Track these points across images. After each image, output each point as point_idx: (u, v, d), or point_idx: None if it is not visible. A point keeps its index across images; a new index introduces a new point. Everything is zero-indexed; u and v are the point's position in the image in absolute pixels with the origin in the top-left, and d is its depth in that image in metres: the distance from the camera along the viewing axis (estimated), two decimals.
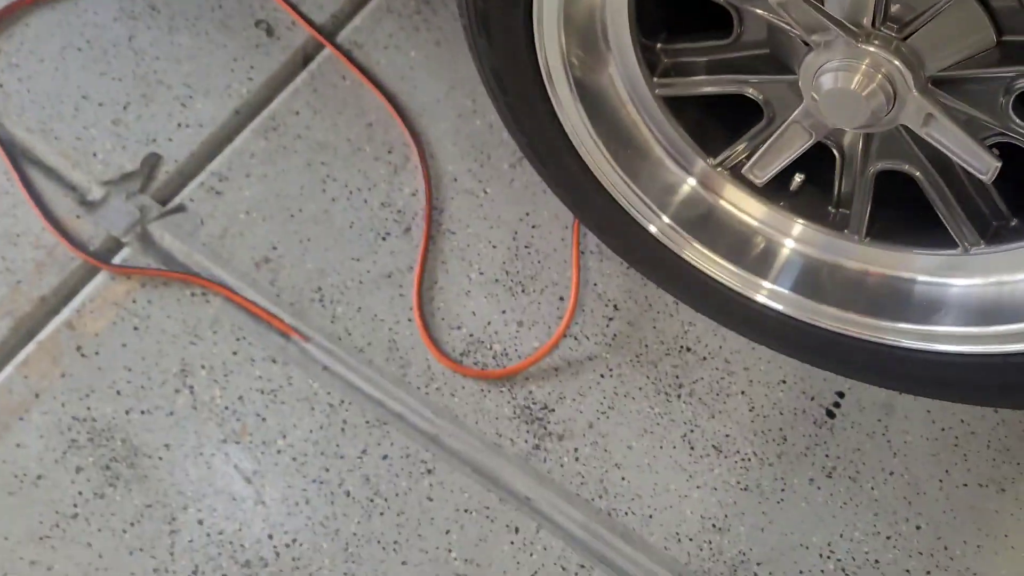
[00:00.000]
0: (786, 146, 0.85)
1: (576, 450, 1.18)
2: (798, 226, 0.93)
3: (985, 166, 0.73)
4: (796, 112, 0.81)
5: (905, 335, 0.87)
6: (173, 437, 1.10)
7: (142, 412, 1.11)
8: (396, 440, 1.14)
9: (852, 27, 0.70)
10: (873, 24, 0.69)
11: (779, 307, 0.95)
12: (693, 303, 1.12)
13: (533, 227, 1.29)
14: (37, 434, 1.08)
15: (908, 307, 0.87)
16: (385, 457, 1.13)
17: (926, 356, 0.87)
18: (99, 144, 1.25)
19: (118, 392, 1.12)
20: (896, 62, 0.70)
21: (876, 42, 0.70)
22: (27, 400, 1.10)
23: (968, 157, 0.74)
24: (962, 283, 0.84)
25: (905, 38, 0.70)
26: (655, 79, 0.87)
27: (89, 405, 1.10)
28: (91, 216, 1.20)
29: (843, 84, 0.71)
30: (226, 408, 1.13)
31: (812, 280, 0.92)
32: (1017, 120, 0.73)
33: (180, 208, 1.23)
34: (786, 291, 0.94)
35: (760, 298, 0.96)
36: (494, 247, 1.27)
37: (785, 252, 0.94)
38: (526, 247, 1.28)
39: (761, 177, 0.88)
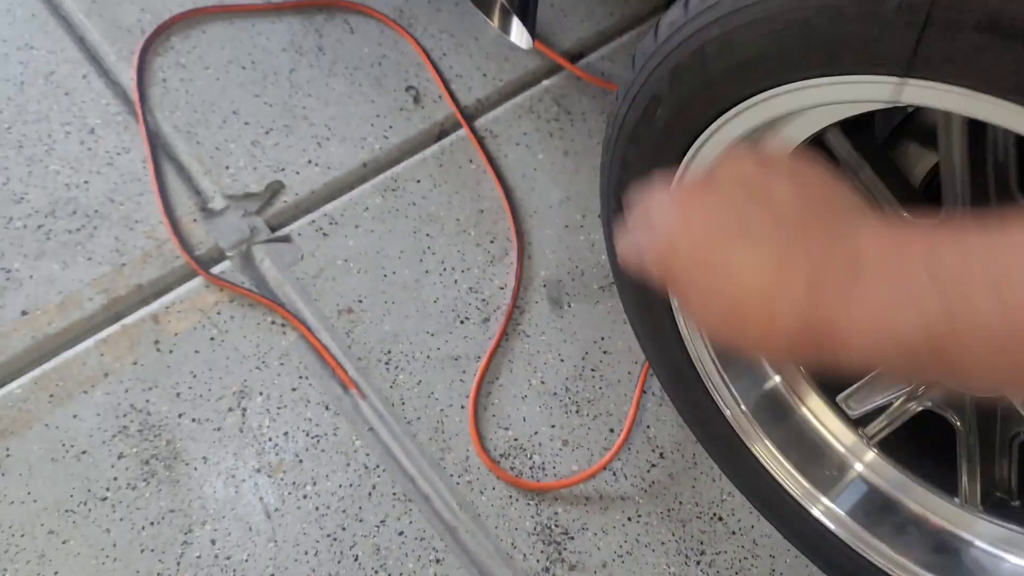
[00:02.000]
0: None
1: None
2: (871, 454, 0.94)
3: None
4: None
5: None
6: (213, 452, 1.14)
7: (193, 420, 1.15)
8: (416, 520, 1.16)
9: None
10: None
11: (831, 526, 0.95)
12: (745, 491, 1.12)
13: (604, 352, 1.32)
14: (95, 411, 1.13)
15: (958, 568, 0.86)
16: (401, 533, 1.15)
17: None
18: (234, 159, 1.32)
19: (178, 394, 1.16)
20: None
21: None
22: (96, 376, 1.15)
23: None
24: (1015, 561, 0.84)
25: None
26: None
27: (149, 398, 1.15)
28: (206, 223, 1.27)
29: None
30: (269, 440, 1.16)
31: (871, 510, 0.93)
32: None
33: (286, 238, 1.29)
34: (842, 513, 0.94)
35: (816, 512, 0.96)
36: (562, 361, 1.30)
37: (852, 474, 0.94)
38: (592, 370, 1.30)
39: (856, 410, 0.89)
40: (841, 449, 0.95)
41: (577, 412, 1.27)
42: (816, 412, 0.95)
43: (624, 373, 1.30)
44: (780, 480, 0.97)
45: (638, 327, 1.05)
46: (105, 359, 1.16)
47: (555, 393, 1.28)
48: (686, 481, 1.25)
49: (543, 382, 1.28)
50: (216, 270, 1.25)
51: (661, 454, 1.26)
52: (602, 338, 1.32)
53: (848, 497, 0.93)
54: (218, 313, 1.22)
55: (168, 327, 1.20)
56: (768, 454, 0.97)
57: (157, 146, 1.30)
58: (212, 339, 1.20)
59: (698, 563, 1.21)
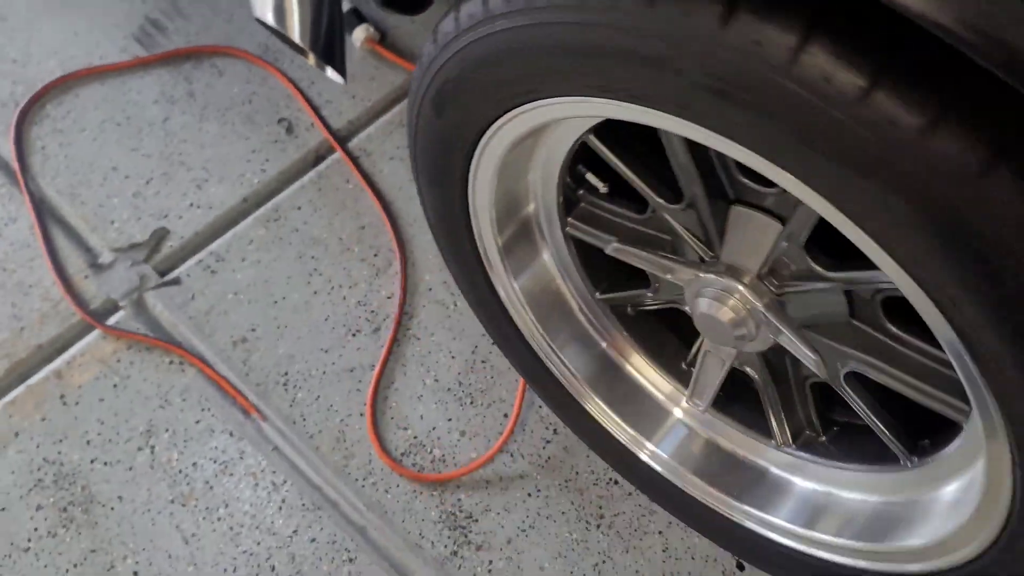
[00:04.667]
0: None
1: (491, 563, 1.26)
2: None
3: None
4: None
5: (749, 517, 0.96)
6: (127, 491, 1.22)
7: (105, 463, 1.23)
8: (326, 526, 1.24)
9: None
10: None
11: (657, 468, 1.04)
12: (591, 445, 1.22)
13: (493, 344, 1.39)
14: (9, 469, 1.21)
15: (756, 492, 0.96)
16: (313, 540, 1.23)
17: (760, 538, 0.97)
18: (117, 213, 1.39)
19: (88, 442, 1.24)
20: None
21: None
22: (7, 437, 1.23)
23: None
24: (802, 484, 0.93)
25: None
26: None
27: (60, 450, 1.23)
28: (97, 278, 1.34)
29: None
30: (180, 472, 1.24)
31: (688, 451, 1.02)
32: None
33: (176, 281, 1.36)
34: (665, 455, 1.03)
35: (643, 456, 1.06)
36: (453, 357, 1.38)
37: (671, 420, 1.04)
38: (483, 362, 1.38)
39: None
40: (662, 397, 1.05)
41: (471, 403, 1.35)
42: (640, 368, 1.05)
43: None
44: (612, 432, 1.06)
45: (475, 308, 1.14)
46: (14, 420, 1.24)
47: (449, 388, 1.36)
48: (580, 452, 1.33)
49: (436, 380, 1.36)
50: (111, 321, 1.32)
51: (555, 430, 1.35)
52: None
53: (670, 441, 1.03)
54: (118, 361, 1.30)
55: (71, 381, 1.27)
56: (599, 410, 1.06)
57: (43, 211, 1.37)
58: (115, 386, 1.28)
59: (598, 526, 1.30)
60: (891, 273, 0.62)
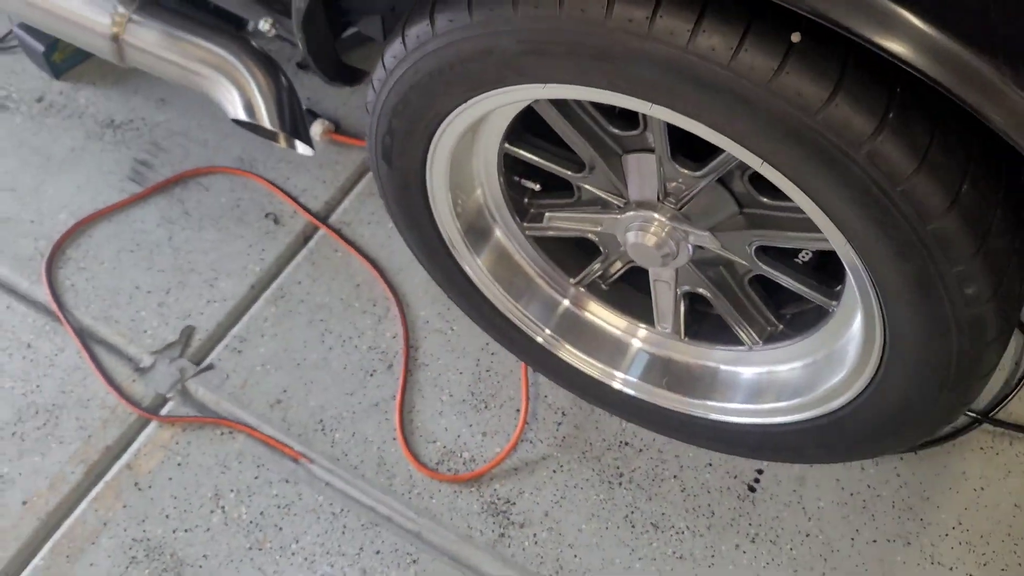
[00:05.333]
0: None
1: (535, 535, 1.42)
2: (642, 330, 1.23)
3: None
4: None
5: (711, 410, 1.17)
6: (210, 549, 1.39)
7: (185, 531, 1.41)
8: (386, 538, 1.41)
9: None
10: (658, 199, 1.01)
11: (630, 391, 1.24)
12: (571, 389, 1.42)
13: (492, 354, 1.59)
14: (105, 554, 1.38)
15: (712, 388, 1.16)
16: (378, 552, 1.40)
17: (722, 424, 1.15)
18: (148, 323, 1.60)
19: (167, 516, 1.42)
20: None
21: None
22: (97, 529, 1.41)
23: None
24: (747, 370, 1.12)
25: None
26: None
27: (145, 528, 1.40)
28: (143, 379, 1.54)
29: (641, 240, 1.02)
30: (251, 522, 1.42)
31: (650, 371, 1.23)
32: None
33: (210, 367, 1.56)
34: (634, 379, 1.23)
35: (616, 385, 1.25)
36: (460, 373, 1.57)
37: (633, 349, 1.24)
38: (487, 371, 1.57)
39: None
40: (621, 334, 1.26)
41: (485, 407, 1.54)
42: (597, 314, 1.26)
43: (513, 363, 1.57)
44: (585, 372, 1.27)
45: (467, 313, 1.35)
46: (100, 512, 1.42)
47: (463, 400, 1.54)
48: (590, 426, 1.52)
49: (451, 395, 1.55)
50: (164, 411, 1.51)
51: (563, 413, 1.53)
52: (486, 343, 1.59)
53: (636, 367, 1.23)
54: (176, 443, 1.48)
55: (141, 469, 1.46)
56: (572, 356, 1.26)
57: (85, 337, 1.58)
58: (179, 465, 1.46)
59: (620, 484, 1.47)
60: (730, 149, 0.83)
